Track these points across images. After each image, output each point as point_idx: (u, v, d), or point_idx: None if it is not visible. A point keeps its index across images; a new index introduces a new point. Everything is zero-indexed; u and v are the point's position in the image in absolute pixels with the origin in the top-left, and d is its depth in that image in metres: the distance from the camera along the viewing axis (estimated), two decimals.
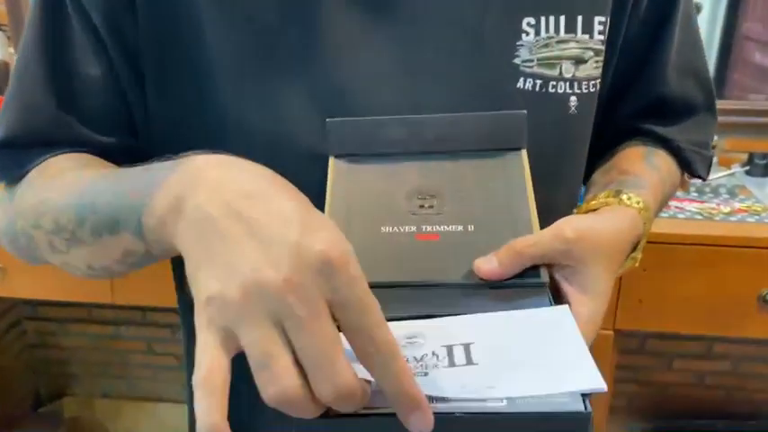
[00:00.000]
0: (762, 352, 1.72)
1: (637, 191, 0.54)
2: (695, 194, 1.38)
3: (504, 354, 0.38)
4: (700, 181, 1.42)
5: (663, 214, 1.27)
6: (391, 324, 0.35)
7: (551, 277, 0.46)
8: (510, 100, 0.52)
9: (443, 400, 0.34)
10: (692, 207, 1.30)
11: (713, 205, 1.31)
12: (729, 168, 1.50)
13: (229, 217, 0.32)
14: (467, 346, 0.39)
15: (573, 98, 0.54)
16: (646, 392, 1.81)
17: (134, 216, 0.39)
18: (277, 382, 0.30)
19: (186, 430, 0.72)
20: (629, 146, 0.64)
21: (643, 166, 0.61)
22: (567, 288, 0.47)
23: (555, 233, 0.46)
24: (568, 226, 0.46)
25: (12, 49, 1.67)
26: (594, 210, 0.53)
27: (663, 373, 1.78)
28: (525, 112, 0.50)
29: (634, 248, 0.54)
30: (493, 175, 0.50)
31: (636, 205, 0.52)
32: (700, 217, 1.27)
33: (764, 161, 1.45)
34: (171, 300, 0.68)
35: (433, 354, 0.38)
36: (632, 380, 1.80)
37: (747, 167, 1.48)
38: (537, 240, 0.45)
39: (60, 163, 0.51)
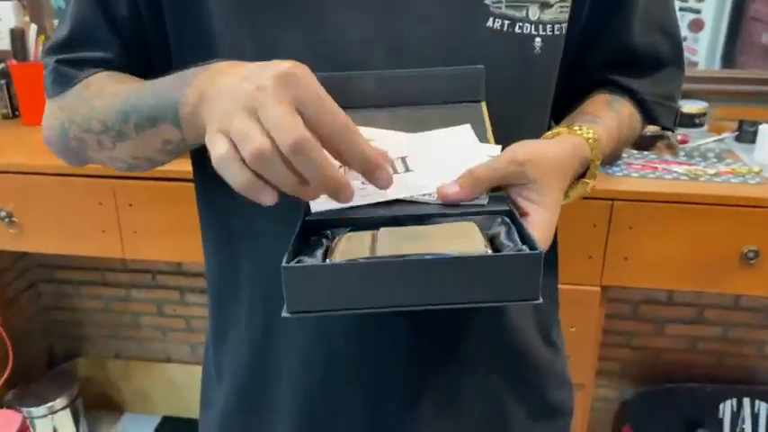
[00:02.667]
0: (752, 318, 1.77)
1: (588, 125, 0.59)
2: (684, 158, 1.42)
3: (430, 163, 0.53)
4: (689, 145, 1.47)
5: (650, 175, 1.32)
6: None
7: (508, 194, 0.53)
8: (479, 38, 0.56)
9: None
10: (680, 169, 1.35)
11: (700, 168, 1.35)
12: (719, 135, 1.53)
13: (230, 78, 0.44)
14: (404, 159, 0.53)
15: (538, 39, 0.58)
16: (638, 357, 1.86)
17: (171, 109, 0.49)
18: (251, 141, 0.41)
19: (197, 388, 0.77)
20: (596, 94, 0.68)
21: (603, 109, 0.65)
22: (522, 202, 0.53)
23: (509, 157, 0.52)
24: (520, 150, 0.52)
25: (27, 18, 1.74)
26: (548, 138, 0.58)
27: (655, 339, 1.83)
28: (482, 67, 0.56)
29: (583, 174, 0.59)
30: (457, 124, 0.56)
31: (585, 135, 0.57)
32: (686, 178, 1.31)
33: (754, 128, 1.48)
34: (177, 257, 0.73)
35: None
36: (624, 345, 1.85)
37: (737, 134, 1.52)
38: (493, 165, 0.51)
39: (100, 80, 0.60)
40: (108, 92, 0.57)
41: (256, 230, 0.61)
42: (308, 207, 0.51)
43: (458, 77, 0.56)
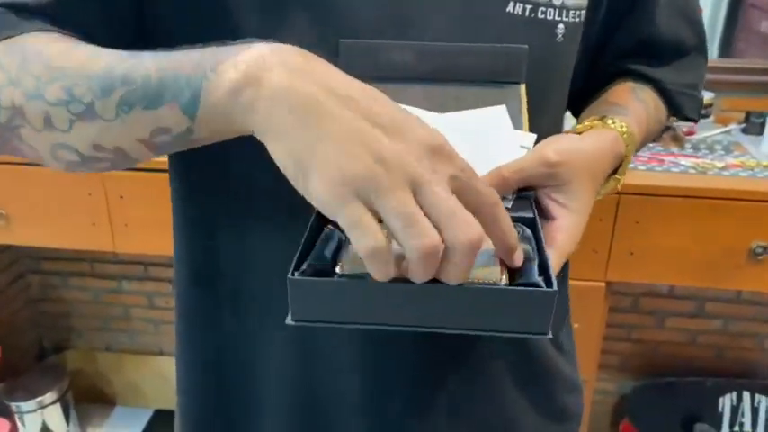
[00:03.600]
0: (752, 311, 1.75)
1: (620, 117, 0.56)
2: (690, 150, 1.39)
3: (459, 150, 0.48)
4: (696, 137, 1.44)
5: (656, 168, 1.29)
6: None
7: (536, 195, 0.50)
8: (499, 23, 0.53)
9: None
10: (687, 162, 1.32)
11: (707, 160, 1.32)
12: (726, 127, 1.50)
13: (337, 100, 0.36)
14: None
15: (561, 26, 0.55)
16: (638, 350, 1.84)
17: (190, 88, 0.38)
18: (425, 234, 0.35)
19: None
20: (618, 83, 0.65)
21: (630, 99, 0.62)
22: (550, 204, 0.49)
23: (539, 158, 0.48)
24: (551, 149, 0.48)
25: None
26: (579, 133, 0.55)
27: (655, 332, 1.81)
28: (527, 47, 0.52)
29: (616, 170, 0.56)
30: (492, 105, 0.53)
31: (619, 129, 0.54)
32: (693, 171, 1.28)
33: (761, 120, 1.46)
34: (171, 251, 0.70)
35: None
36: (625, 338, 1.83)
37: (744, 125, 1.49)
38: (522, 167, 0.48)
39: (65, 37, 0.45)
40: (81, 52, 0.42)
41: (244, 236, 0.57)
42: None
43: (499, 56, 0.53)
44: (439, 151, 0.37)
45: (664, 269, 1.29)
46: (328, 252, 0.44)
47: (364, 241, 0.35)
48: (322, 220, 0.46)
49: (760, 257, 1.23)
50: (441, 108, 0.53)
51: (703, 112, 1.51)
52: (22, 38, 0.44)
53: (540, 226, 0.47)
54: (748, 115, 1.49)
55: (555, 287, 0.40)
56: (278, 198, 0.48)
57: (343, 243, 0.45)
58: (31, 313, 2.02)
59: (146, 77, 0.39)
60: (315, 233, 0.45)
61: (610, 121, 0.55)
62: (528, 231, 0.47)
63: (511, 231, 0.40)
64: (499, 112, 0.52)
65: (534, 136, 0.51)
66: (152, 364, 2.00)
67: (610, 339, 1.81)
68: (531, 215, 0.47)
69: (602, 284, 1.31)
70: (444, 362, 0.59)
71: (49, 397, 1.78)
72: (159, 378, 2.00)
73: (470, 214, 0.36)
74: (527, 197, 0.49)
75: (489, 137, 0.51)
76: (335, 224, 0.46)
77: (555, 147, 0.49)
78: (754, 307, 1.74)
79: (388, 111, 0.37)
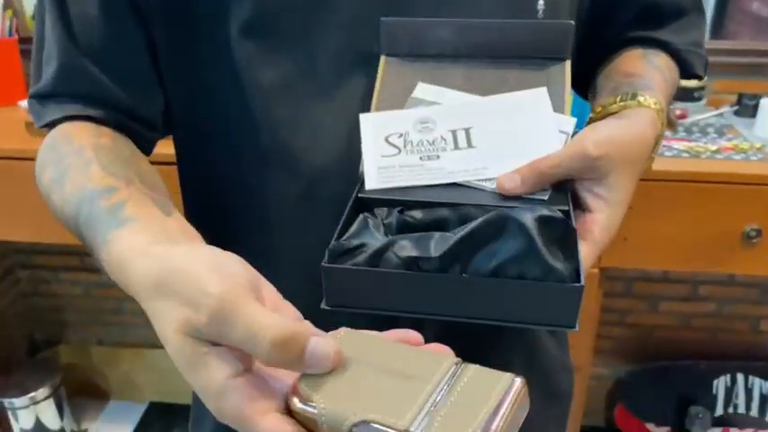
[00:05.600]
0: (746, 294, 1.75)
1: (649, 92, 0.54)
2: (683, 134, 1.38)
3: (495, 137, 0.49)
4: (688, 120, 1.42)
5: None
6: (406, 110, 0.51)
7: (573, 187, 0.48)
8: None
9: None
10: (680, 146, 1.31)
11: (700, 144, 1.31)
12: (719, 109, 1.49)
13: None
14: (467, 131, 0.49)
15: (540, 2, 0.54)
16: (631, 335, 1.84)
17: (95, 252, 0.43)
18: None
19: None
20: (627, 51, 0.64)
21: (645, 67, 0.61)
22: (588, 197, 0.48)
23: (579, 152, 0.47)
24: (591, 142, 0.47)
25: None
26: (613, 113, 0.53)
27: (649, 316, 1.81)
28: (572, 22, 0.52)
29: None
30: (535, 85, 0.52)
31: (654, 106, 0.53)
32: (686, 155, 1.27)
33: (753, 102, 1.45)
34: None
35: (442, 138, 0.49)
36: (618, 323, 1.83)
37: (736, 108, 1.48)
38: (560, 161, 0.46)
39: (76, 150, 0.50)
40: (73, 181, 0.48)
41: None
42: (362, 183, 0.49)
43: (542, 31, 0.52)
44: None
45: (658, 254, 1.28)
46: (363, 237, 0.44)
47: None
48: (358, 209, 0.47)
49: (754, 240, 1.22)
50: (482, 90, 0.52)
51: (695, 94, 1.50)
52: (51, 140, 0.52)
53: (573, 220, 0.45)
54: (741, 98, 1.48)
55: (583, 282, 0.40)
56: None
57: (377, 228, 0.45)
58: (21, 308, 2.00)
59: (79, 223, 0.45)
60: (350, 220, 0.46)
61: (642, 99, 0.53)
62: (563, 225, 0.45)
63: None
64: (540, 96, 0.51)
65: (574, 120, 0.50)
66: (146, 357, 1.98)
67: (604, 324, 1.81)
68: (566, 208, 0.46)
69: (596, 271, 1.30)
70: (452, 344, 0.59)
71: (42, 393, 1.77)
72: (153, 371, 1.99)
73: None
74: (563, 189, 0.48)
75: (528, 121, 0.50)
76: (372, 211, 0.47)
77: (595, 138, 0.47)
78: (747, 289, 1.74)
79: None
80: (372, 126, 0.51)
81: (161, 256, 0.36)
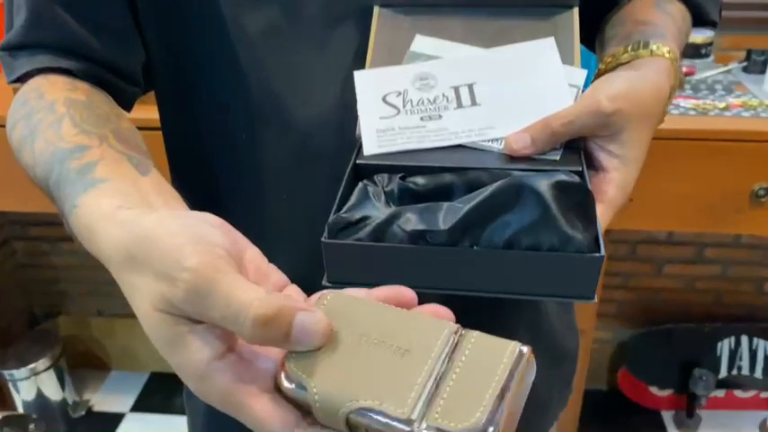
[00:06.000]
0: (751, 255, 1.73)
1: (662, 40, 0.51)
2: (690, 91, 1.34)
3: (501, 93, 0.45)
4: (695, 77, 1.38)
5: None
6: (403, 67, 0.47)
7: (585, 144, 0.46)
8: None
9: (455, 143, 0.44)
10: (687, 103, 1.27)
11: (708, 101, 1.28)
12: (727, 66, 1.45)
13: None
14: (471, 87, 0.46)
15: None
16: (635, 299, 1.83)
17: (64, 211, 0.39)
18: None
19: None
20: None
21: (658, 14, 0.57)
22: (601, 155, 0.46)
23: (592, 107, 0.44)
24: (604, 96, 0.44)
25: None
26: (625, 63, 0.50)
27: (653, 279, 1.79)
28: None
29: None
30: (540, 35, 0.49)
31: (668, 55, 0.49)
32: (694, 113, 1.24)
33: (762, 57, 1.40)
34: None
35: (444, 96, 0.46)
36: (622, 286, 1.81)
37: (745, 64, 1.44)
38: (573, 118, 0.44)
39: (26, 117, 0.47)
40: (44, 139, 0.45)
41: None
42: (360, 148, 0.46)
43: None
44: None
45: (664, 215, 1.25)
46: (364, 209, 0.42)
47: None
48: (357, 176, 0.45)
49: (762, 200, 1.19)
50: (483, 43, 0.49)
51: (703, 50, 1.46)
52: (22, 95, 0.48)
53: (588, 181, 0.43)
54: (749, 53, 1.44)
55: (603, 252, 0.38)
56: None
57: (378, 197, 0.42)
58: (19, 280, 1.98)
59: (50, 185, 0.42)
60: (349, 188, 0.43)
61: (655, 47, 0.49)
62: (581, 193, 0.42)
63: None
64: (547, 46, 0.48)
65: (585, 72, 0.47)
66: None
67: (608, 288, 1.79)
68: (579, 168, 0.43)
69: None
70: (460, 314, 0.57)
71: (42, 364, 1.76)
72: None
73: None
74: (576, 148, 0.45)
75: (536, 75, 0.47)
76: (371, 178, 0.44)
77: (608, 92, 0.44)
78: (753, 251, 1.72)
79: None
80: (368, 84, 0.47)
81: (131, 222, 0.33)
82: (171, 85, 0.55)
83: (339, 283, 0.40)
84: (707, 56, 1.46)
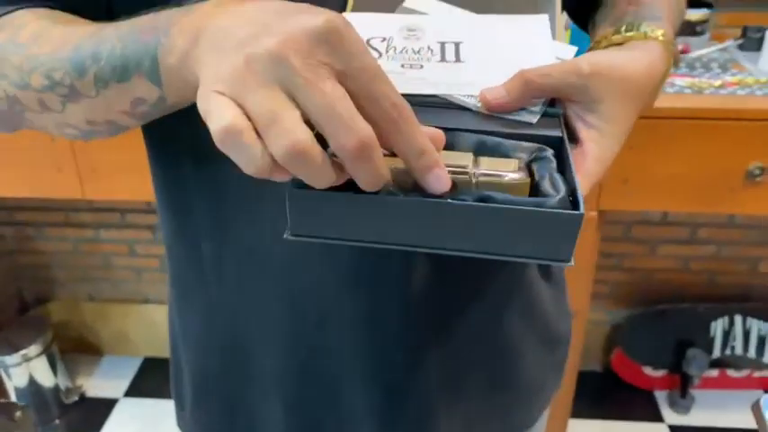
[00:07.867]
0: (745, 235, 1.72)
1: (657, 23, 0.49)
2: (685, 69, 1.32)
3: (486, 56, 0.45)
4: (690, 55, 1.36)
5: None
6: (394, 15, 0.46)
7: (564, 113, 0.44)
8: None
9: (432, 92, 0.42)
10: (682, 81, 1.25)
11: (703, 79, 1.26)
12: (722, 43, 1.43)
13: (241, 20, 0.33)
14: (457, 45, 0.45)
15: None
16: (629, 279, 1.82)
17: (148, 56, 0.38)
18: (287, 134, 0.30)
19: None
20: None
21: None
22: (579, 125, 0.44)
23: (570, 67, 0.42)
24: (585, 60, 0.42)
25: None
26: (617, 44, 0.48)
27: (647, 260, 1.78)
28: None
29: None
30: (522, 9, 0.47)
31: (661, 38, 0.47)
32: (689, 91, 1.22)
33: (759, 35, 1.38)
34: (144, 196, 0.64)
35: (429, 48, 0.45)
36: (616, 267, 1.81)
37: (741, 41, 1.42)
38: (550, 71, 0.42)
39: (35, 20, 0.45)
40: (52, 36, 0.43)
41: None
42: None
43: None
44: (329, 41, 0.31)
45: (658, 195, 1.24)
46: None
47: (214, 123, 0.31)
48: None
49: (758, 179, 1.18)
50: (470, 10, 0.47)
51: (698, 28, 1.43)
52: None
53: (568, 146, 0.41)
54: (745, 30, 1.41)
55: (582, 210, 0.35)
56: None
57: None
58: (8, 266, 1.96)
59: (111, 51, 0.39)
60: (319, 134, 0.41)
61: (649, 30, 0.47)
62: (548, 152, 0.40)
63: (425, 141, 0.34)
64: (540, 22, 0.46)
65: (575, 48, 0.45)
66: (137, 311, 1.96)
67: (602, 269, 1.79)
68: (558, 134, 0.41)
69: (595, 214, 1.27)
70: (437, 296, 0.56)
71: (34, 350, 1.75)
72: (146, 326, 1.97)
73: (355, 113, 0.31)
74: (555, 114, 0.43)
75: (523, 46, 0.45)
76: None
77: (591, 59, 0.43)
78: (747, 230, 1.71)
79: (302, 25, 0.31)
80: (354, 26, 0.46)
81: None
82: None
83: (301, 236, 0.38)
84: (702, 33, 1.44)
